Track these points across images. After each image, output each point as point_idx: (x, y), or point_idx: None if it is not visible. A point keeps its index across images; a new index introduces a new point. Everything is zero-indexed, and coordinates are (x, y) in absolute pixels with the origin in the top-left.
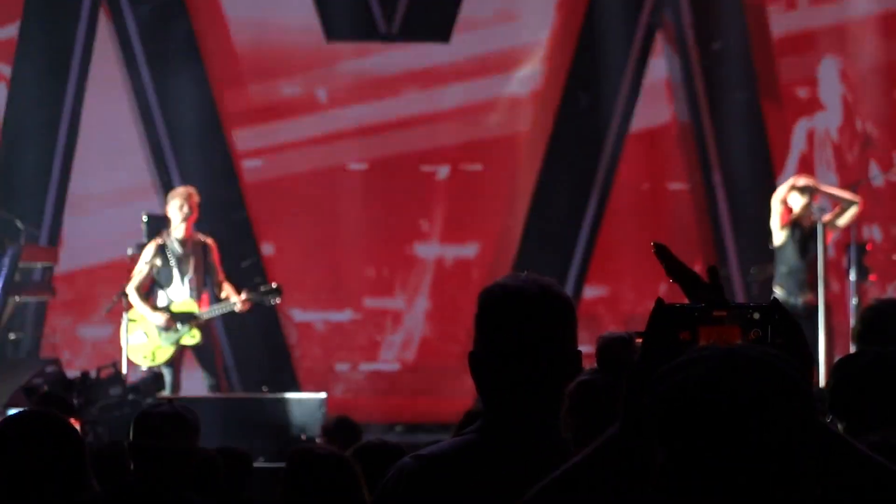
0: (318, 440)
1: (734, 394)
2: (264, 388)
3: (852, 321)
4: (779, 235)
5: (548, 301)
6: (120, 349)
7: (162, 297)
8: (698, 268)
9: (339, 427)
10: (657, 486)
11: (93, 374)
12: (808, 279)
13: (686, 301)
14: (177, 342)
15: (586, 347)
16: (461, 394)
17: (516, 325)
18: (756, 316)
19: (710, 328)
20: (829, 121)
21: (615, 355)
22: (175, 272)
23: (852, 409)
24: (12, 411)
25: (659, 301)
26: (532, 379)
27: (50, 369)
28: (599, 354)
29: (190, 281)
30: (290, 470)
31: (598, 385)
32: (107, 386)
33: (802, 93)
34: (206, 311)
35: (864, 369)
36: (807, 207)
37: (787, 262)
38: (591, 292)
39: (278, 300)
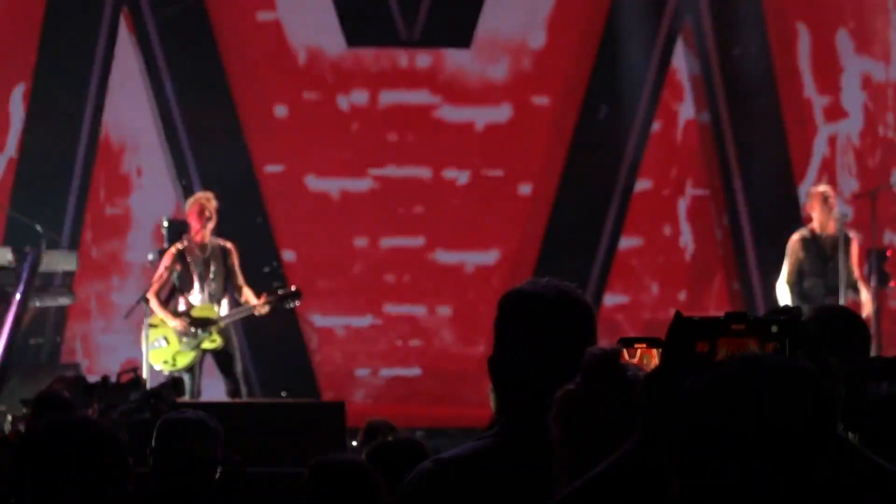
0: (355, 443)
1: (758, 411)
2: (283, 394)
3: (873, 327)
4: (782, 288)
5: (567, 306)
6: (140, 354)
7: (182, 303)
8: (719, 278)
9: (378, 431)
10: (675, 500)
11: (113, 379)
12: (826, 291)
13: (704, 314)
14: (197, 347)
15: None
16: (481, 399)
17: (536, 329)
18: (774, 329)
19: (729, 340)
20: (850, 127)
21: (599, 370)
22: (195, 277)
23: (866, 419)
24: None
25: (677, 314)
26: (551, 383)
27: (70, 374)
28: (584, 368)
29: (209, 285)
30: (310, 481)
31: (584, 397)
32: (127, 391)
33: (824, 100)
34: (226, 315)
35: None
36: (827, 214)
37: (809, 278)
38: (611, 300)
39: (298, 303)
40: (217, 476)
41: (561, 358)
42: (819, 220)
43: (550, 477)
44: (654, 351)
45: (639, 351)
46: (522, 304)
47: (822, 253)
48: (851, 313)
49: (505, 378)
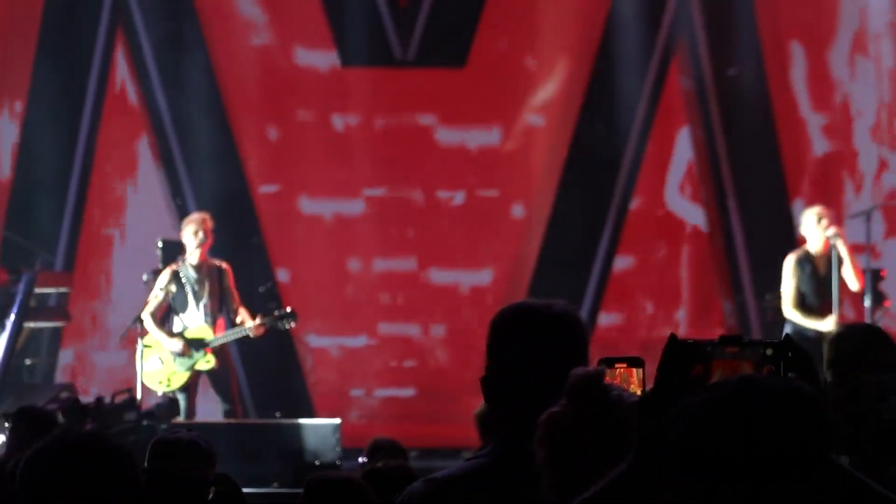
0: (361, 459)
1: (750, 433)
2: (278, 414)
3: None
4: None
5: (560, 323)
6: (135, 375)
7: (177, 323)
8: (714, 298)
9: (383, 449)
10: None
11: (108, 399)
12: (822, 311)
13: (700, 336)
14: (192, 368)
15: None
16: None
17: (528, 346)
18: (769, 352)
19: (724, 362)
20: (845, 145)
21: (584, 391)
22: (190, 298)
23: (856, 440)
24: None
25: (672, 336)
26: (545, 400)
27: (65, 395)
28: (569, 390)
29: (205, 306)
30: (307, 498)
31: (569, 420)
32: (121, 411)
33: (819, 118)
34: (220, 337)
35: (869, 400)
36: (821, 234)
37: (807, 298)
38: (606, 319)
39: (293, 324)
40: (210, 497)
41: (555, 375)
42: (813, 240)
43: (544, 495)
44: (634, 370)
45: (619, 370)
46: (516, 321)
47: (816, 273)
48: (880, 331)
49: (499, 396)
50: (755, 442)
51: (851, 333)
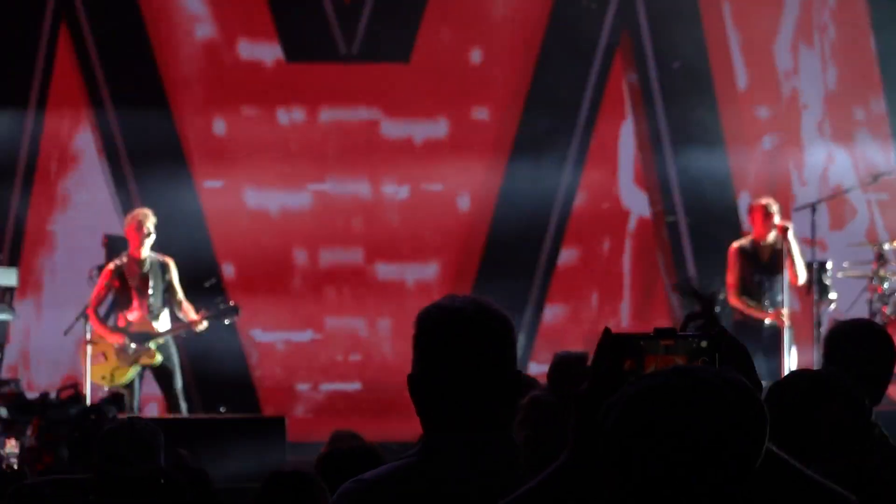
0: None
1: (692, 423)
2: (222, 409)
3: (813, 339)
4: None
5: (485, 320)
6: (80, 370)
7: (121, 318)
8: (659, 290)
9: (343, 441)
10: None
11: (53, 394)
12: (766, 301)
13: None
14: (135, 363)
15: (545, 367)
16: None
17: (454, 345)
18: (703, 344)
19: (657, 357)
20: (791, 139)
21: (568, 373)
22: (133, 293)
23: (789, 435)
24: None
25: (606, 330)
26: (471, 399)
27: (9, 390)
28: (553, 371)
29: (148, 301)
30: (260, 491)
31: (549, 401)
32: (67, 406)
33: (764, 111)
34: (164, 331)
35: (800, 395)
36: (767, 226)
37: (750, 288)
38: (551, 312)
39: (237, 318)
40: (160, 488)
41: (479, 372)
42: (758, 230)
43: (474, 493)
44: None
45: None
46: (439, 319)
47: (759, 262)
48: (877, 326)
49: (424, 395)
50: (689, 433)
51: (843, 328)
